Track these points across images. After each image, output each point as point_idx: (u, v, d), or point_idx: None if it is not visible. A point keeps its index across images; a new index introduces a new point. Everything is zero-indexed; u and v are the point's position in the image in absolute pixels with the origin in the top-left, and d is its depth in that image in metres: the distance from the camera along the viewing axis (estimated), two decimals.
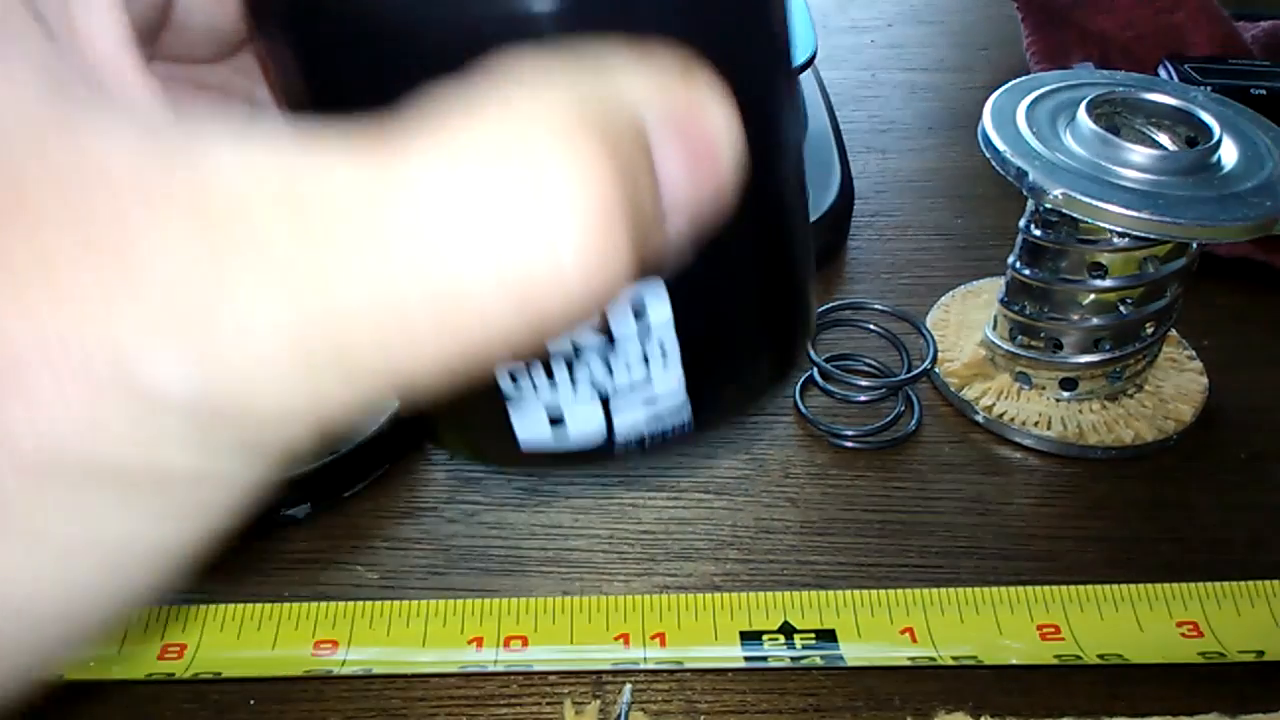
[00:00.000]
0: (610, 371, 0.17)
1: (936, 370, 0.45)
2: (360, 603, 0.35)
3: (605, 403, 0.18)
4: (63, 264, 0.12)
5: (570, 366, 0.17)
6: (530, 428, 0.18)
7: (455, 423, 0.20)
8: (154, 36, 0.19)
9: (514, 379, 0.18)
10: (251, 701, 0.33)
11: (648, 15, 0.15)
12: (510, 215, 0.12)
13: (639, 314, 0.17)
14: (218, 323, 0.12)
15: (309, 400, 0.13)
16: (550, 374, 0.17)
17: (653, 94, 0.13)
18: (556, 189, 0.12)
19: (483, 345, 0.13)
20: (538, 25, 0.14)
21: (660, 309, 0.17)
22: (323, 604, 0.35)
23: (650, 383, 0.18)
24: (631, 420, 0.18)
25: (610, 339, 0.17)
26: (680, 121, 0.13)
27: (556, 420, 0.18)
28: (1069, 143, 0.39)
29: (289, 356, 0.12)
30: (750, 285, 0.18)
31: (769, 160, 0.18)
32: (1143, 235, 0.37)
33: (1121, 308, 0.41)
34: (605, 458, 0.19)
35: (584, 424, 0.18)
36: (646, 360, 0.17)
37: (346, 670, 0.33)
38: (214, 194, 0.12)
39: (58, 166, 0.12)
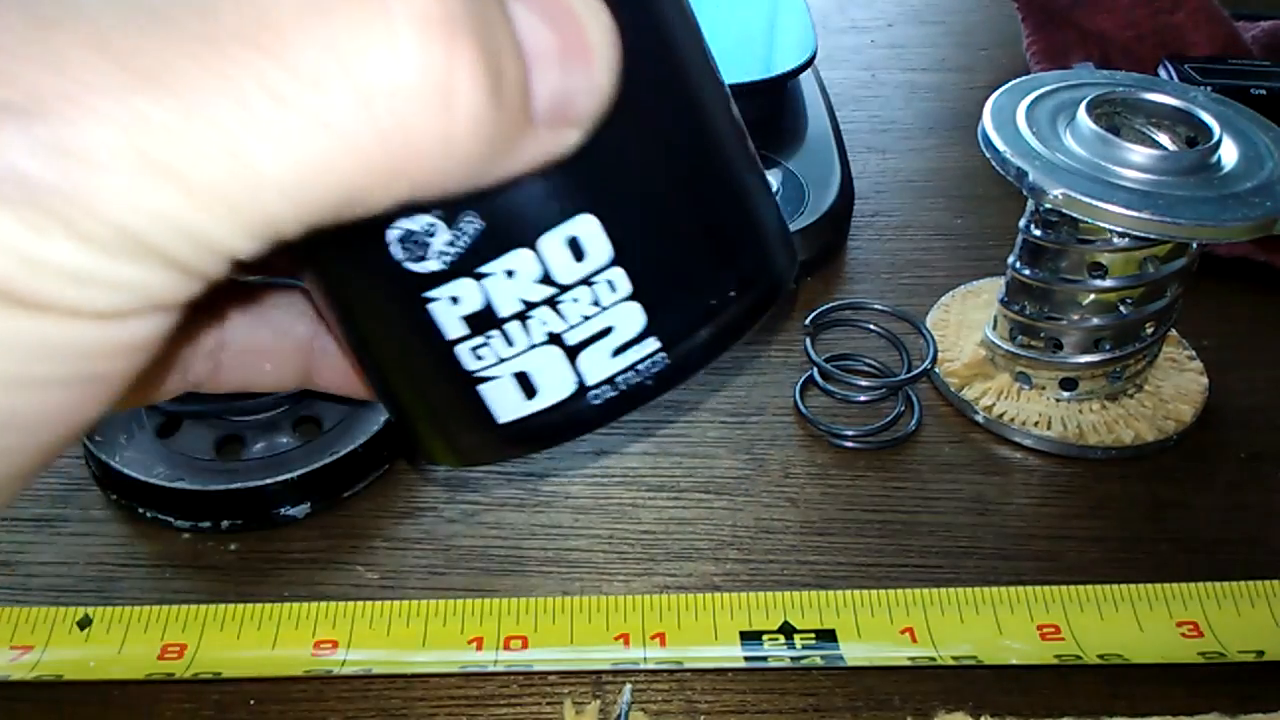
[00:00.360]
0: (565, 318, 0.17)
1: (936, 370, 0.45)
2: (360, 603, 0.35)
3: (570, 354, 0.18)
4: None
5: (525, 321, 0.17)
6: (503, 400, 0.18)
7: (430, 418, 0.20)
8: None
9: (476, 353, 0.18)
10: (251, 701, 0.33)
11: None
12: (347, 18, 0.12)
13: (579, 254, 0.17)
14: (48, 100, 0.11)
15: (157, 217, 0.12)
16: (508, 337, 0.17)
17: None
18: None
19: (341, 164, 0.12)
20: None
21: (598, 245, 0.17)
22: (323, 604, 0.35)
23: (610, 325, 0.17)
24: (601, 366, 0.18)
25: (558, 286, 0.17)
26: (542, 5, 0.13)
27: (526, 384, 0.18)
28: (1069, 143, 0.39)
29: (125, 147, 0.12)
30: (687, 205, 0.18)
31: (673, 69, 0.18)
32: (1143, 235, 0.37)
33: (1121, 308, 0.41)
34: (586, 414, 0.18)
35: (554, 381, 0.18)
36: (598, 301, 0.17)
37: (346, 670, 0.33)
38: None
39: None
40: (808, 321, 0.47)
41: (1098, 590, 0.36)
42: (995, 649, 0.34)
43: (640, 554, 0.38)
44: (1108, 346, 0.42)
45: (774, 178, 0.52)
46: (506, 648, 0.34)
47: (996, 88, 0.42)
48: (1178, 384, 0.45)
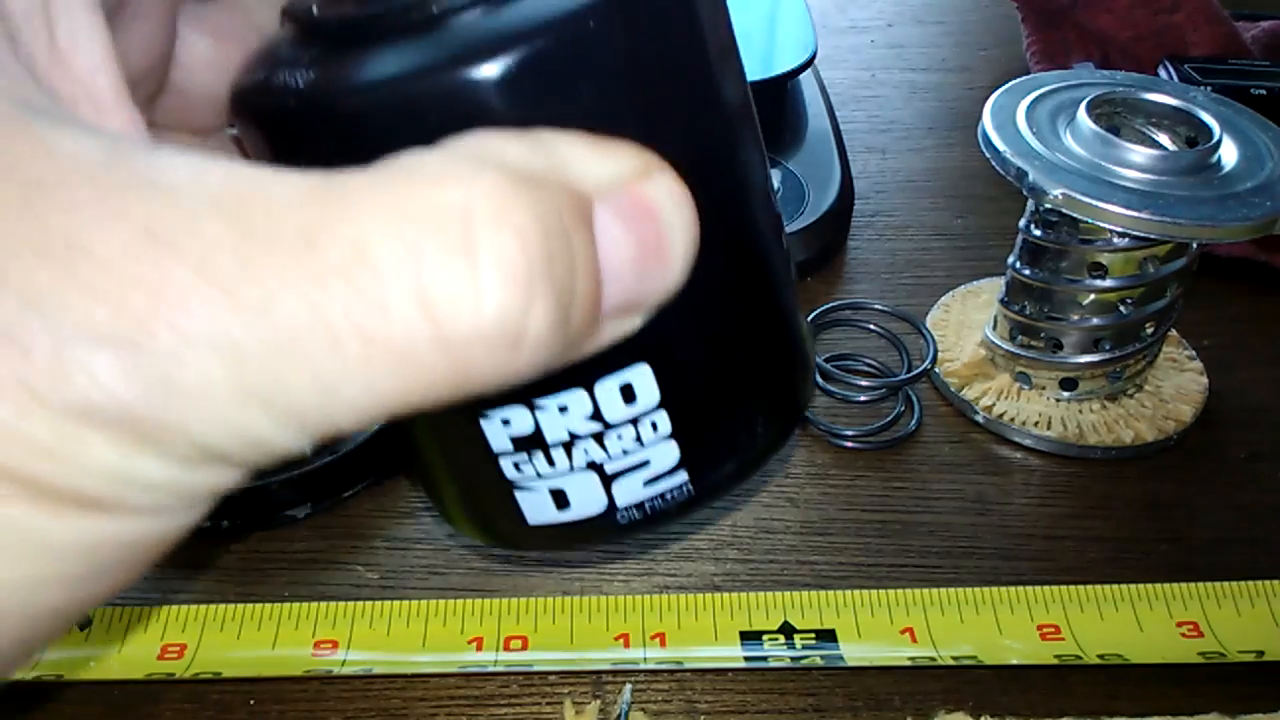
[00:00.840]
0: (607, 451, 0.18)
1: (936, 370, 0.45)
2: (360, 603, 0.35)
3: (605, 480, 0.19)
4: (4, 252, 0.12)
5: (569, 450, 0.18)
6: (536, 508, 0.19)
7: (465, 507, 0.21)
8: (150, 90, 0.19)
9: (517, 467, 0.19)
10: (251, 701, 0.33)
11: (600, 106, 0.16)
12: (439, 265, 0.12)
13: (629, 398, 0.18)
14: (157, 332, 0.12)
15: (238, 435, 0.13)
16: (550, 460, 0.18)
17: (603, 182, 0.14)
18: (482, 249, 0.13)
19: (411, 389, 0.13)
20: (492, 115, 0.15)
21: (649, 391, 0.18)
22: (323, 604, 0.35)
23: (647, 459, 0.19)
24: (632, 493, 0.19)
25: (605, 424, 0.18)
26: (628, 212, 0.14)
27: (560, 499, 0.19)
28: (1069, 143, 0.39)
29: (223, 378, 0.12)
30: (737, 360, 0.19)
31: (744, 239, 0.19)
32: (1143, 235, 0.37)
33: (1121, 308, 0.41)
34: (611, 529, 0.19)
35: (587, 501, 0.19)
36: (640, 439, 0.18)
37: (346, 670, 0.33)
38: (163, 197, 0.12)
39: (9, 152, 0.12)
40: (808, 321, 0.47)
41: (1098, 590, 0.36)
42: (995, 649, 0.34)
43: (640, 554, 0.38)
44: (1108, 346, 0.42)
45: (774, 178, 0.52)
46: (506, 648, 0.34)
47: (996, 88, 0.42)
48: (1178, 384, 0.45)
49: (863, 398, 0.44)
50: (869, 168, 0.58)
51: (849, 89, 0.65)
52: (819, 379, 0.45)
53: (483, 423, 0.18)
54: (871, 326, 0.48)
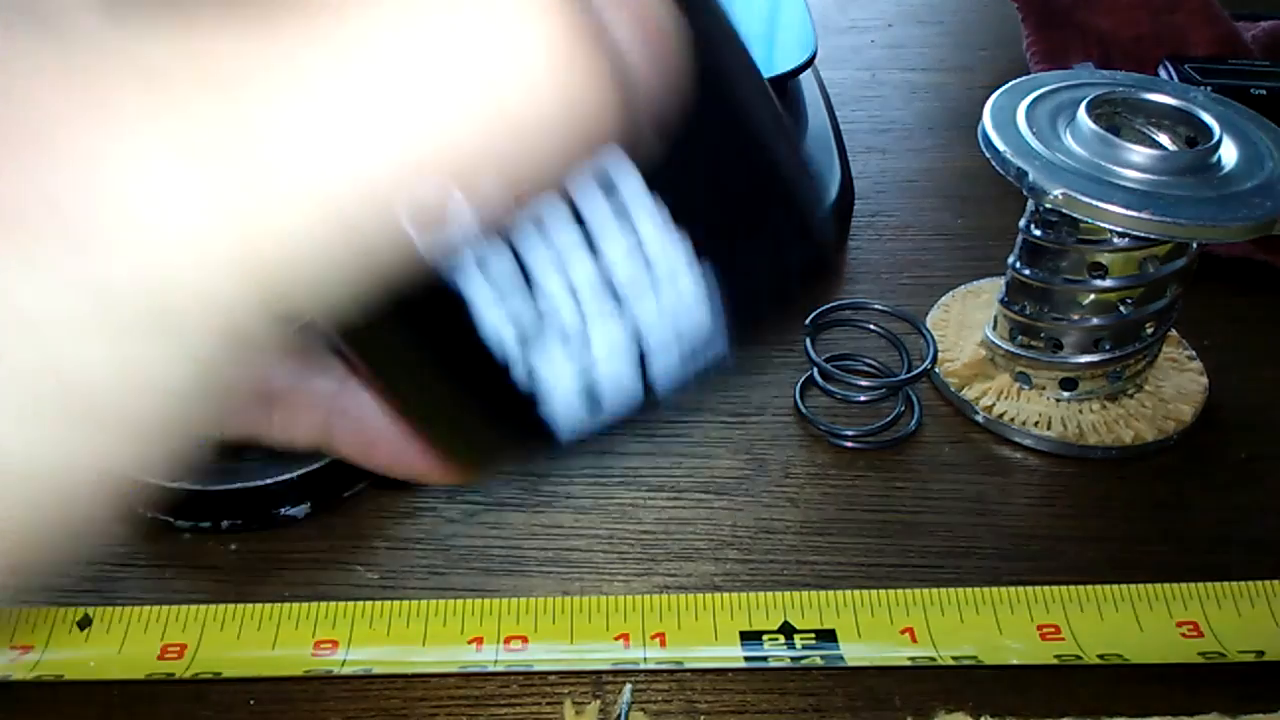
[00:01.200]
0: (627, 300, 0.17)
1: (936, 370, 0.45)
2: (360, 603, 0.35)
3: (636, 342, 0.18)
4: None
5: (580, 305, 0.17)
6: (563, 410, 0.18)
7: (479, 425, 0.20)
8: None
9: (522, 341, 0.17)
10: (251, 701, 0.33)
11: None
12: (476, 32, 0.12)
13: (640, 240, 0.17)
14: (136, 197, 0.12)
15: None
16: (564, 321, 0.17)
17: None
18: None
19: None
20: None
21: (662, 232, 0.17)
22: (323, 604, 0.35)
23: (678, 311, 0.18)
24: (665, 360, 0.18)
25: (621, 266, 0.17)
26: None
27: (587, 385, 0.18)
28: (1069, 143, 0.39)
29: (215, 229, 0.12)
30: (736, 168, 0.18)
31: (718, 47, 0.17)
32: (1143, 235, 0.37)
33: (1121, 308, 0.41)
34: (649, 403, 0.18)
35: (614, 376, 0.18)
36: (656, 274, 0.17)
37: (346, 670, 0.33)
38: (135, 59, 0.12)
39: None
40: (808, 321, 0.47)
41: (1098, 590, 0.36)
42: (995, 649, 0.34)
43: (640, 554, 0.38)
44: (1108, 346, 0.42)
45: None
46: (506, 647, 0.34)
47: (996, 88, 0.42)
48: (1178, 384, 0.45)
49: (863, 398, 0.44)
50: (869, 168, 0.58)
51: (849, 89, 0.65)
52: (819, 379, 0.45)
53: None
54: (871, 326, 0.48)
